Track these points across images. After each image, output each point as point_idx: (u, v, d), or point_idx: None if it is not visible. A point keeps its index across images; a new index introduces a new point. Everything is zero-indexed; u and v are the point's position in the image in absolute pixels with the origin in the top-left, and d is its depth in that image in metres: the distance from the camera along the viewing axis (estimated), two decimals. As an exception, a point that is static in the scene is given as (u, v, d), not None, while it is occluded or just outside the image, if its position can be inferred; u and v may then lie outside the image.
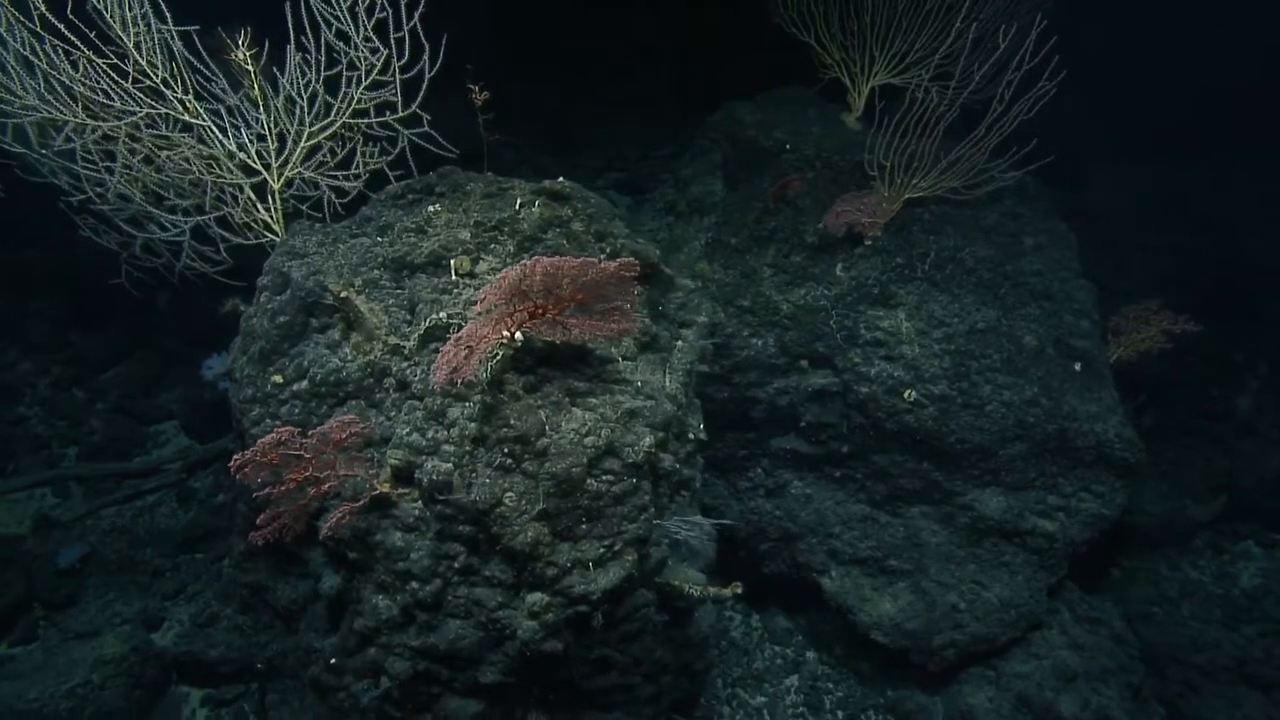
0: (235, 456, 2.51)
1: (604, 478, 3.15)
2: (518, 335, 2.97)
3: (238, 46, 2.84)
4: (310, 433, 2.68)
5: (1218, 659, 5.27)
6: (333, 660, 3.66)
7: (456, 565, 3.33)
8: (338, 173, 3.46)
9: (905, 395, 4.24)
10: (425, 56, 3.23)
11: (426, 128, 3.44)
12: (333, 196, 3.47)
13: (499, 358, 2.99)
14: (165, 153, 3.11)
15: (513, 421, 3.00)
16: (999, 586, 4.52)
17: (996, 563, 4.54)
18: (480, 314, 2.53)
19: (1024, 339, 4.47)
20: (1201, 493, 6.37)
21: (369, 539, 3.29)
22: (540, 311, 2.72)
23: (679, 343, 3.69)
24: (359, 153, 3.39)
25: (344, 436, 2.79)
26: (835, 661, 5.41)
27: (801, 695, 5.31)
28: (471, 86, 3.33)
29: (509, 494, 3.06)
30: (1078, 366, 4.61)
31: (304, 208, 3.55)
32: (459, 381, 2.97)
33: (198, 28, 2.87)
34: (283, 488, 2.69)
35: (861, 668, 5.29)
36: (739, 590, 3.85)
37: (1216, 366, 7.61)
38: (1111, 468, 4.51)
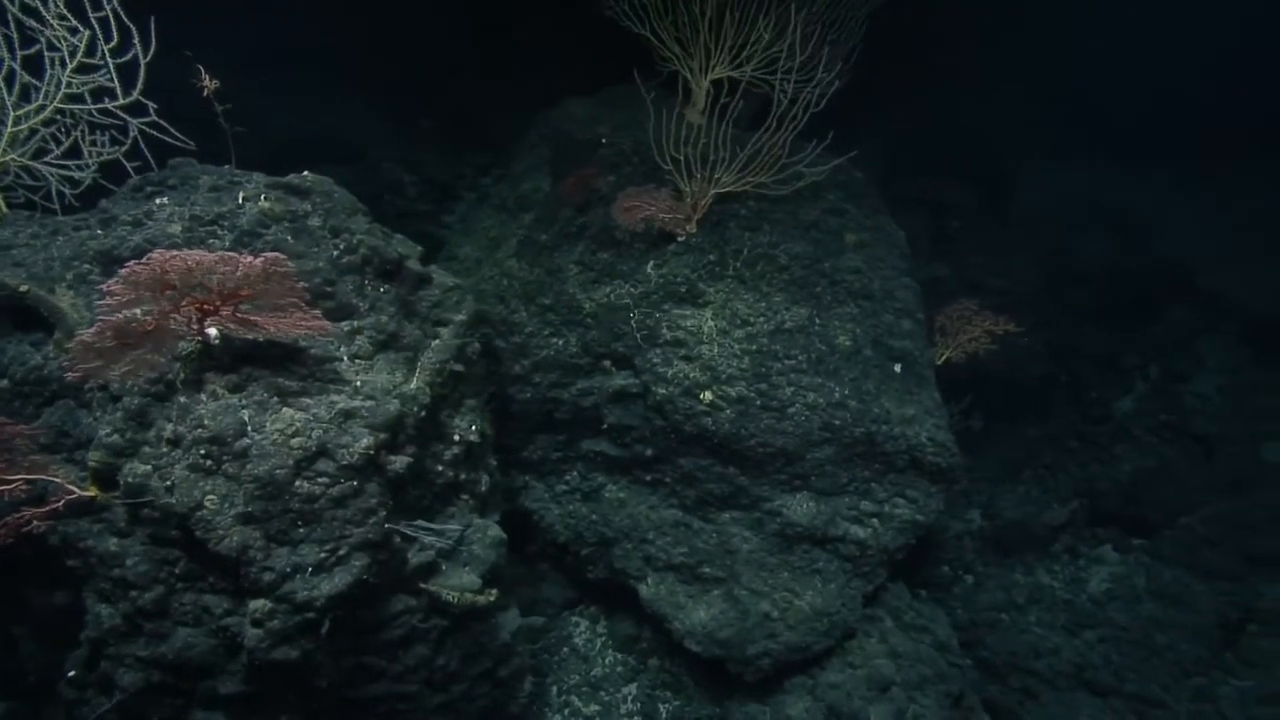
0: None
1: (319, 480, 3.01)
2: (212, 332, 2.84)
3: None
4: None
5: (1057, 665, 5.18)
6: (72, 673, 3.51)
7: (178, 570, 3.19)
8: (69, 162, 3.31)
9: (702, 397, 4.12)
10: (136, 40, 3.07)
11: (154, 116, 3.28)
12: (64, 187, 3.31)
13: (192, 355, 2.85)
14: None
15: (206, 422, 2.85)
16: (812, 594, 4.40)
17: (809, 570, 4.42)
18: (109, 307, 2.38)
19: (837, 339, 4.35)
20: (1068, 497, 6.29)
21: (80, 545, 3.14)
22: (211, 308, 2.58)
23: (434, 342, 3.55)
24: (85, 142, 3.23)
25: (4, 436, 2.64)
26: (677, 670, 5.28)
27: (638, 704, 5.17)
28: (202, 73, 3.18)
29: (210, 497, 2.91)
30: (897, 368, 4.50)
31: (37, 198, 3.40)
32: (145, 377, 2.83)
33: None
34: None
35: (700, 677, 5.16)
36: (493, 597, 3.72)
37: (1104, 369, 7.54)
38: (925, 473, 4.39)
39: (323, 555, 3.10)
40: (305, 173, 3.40)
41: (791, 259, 4.40)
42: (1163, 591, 5.43)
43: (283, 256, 2.48)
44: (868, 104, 10.17)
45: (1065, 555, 5.82)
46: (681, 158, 4.09)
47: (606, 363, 4.35)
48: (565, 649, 5.45)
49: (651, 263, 4.39)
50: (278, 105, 7.57)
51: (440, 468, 3.66)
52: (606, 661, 5.40)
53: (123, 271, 2.32)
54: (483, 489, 4.08)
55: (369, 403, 3.09)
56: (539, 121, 5.20)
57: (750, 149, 4.09)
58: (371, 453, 3.07)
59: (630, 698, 5.22)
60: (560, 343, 4.37)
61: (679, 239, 4.41)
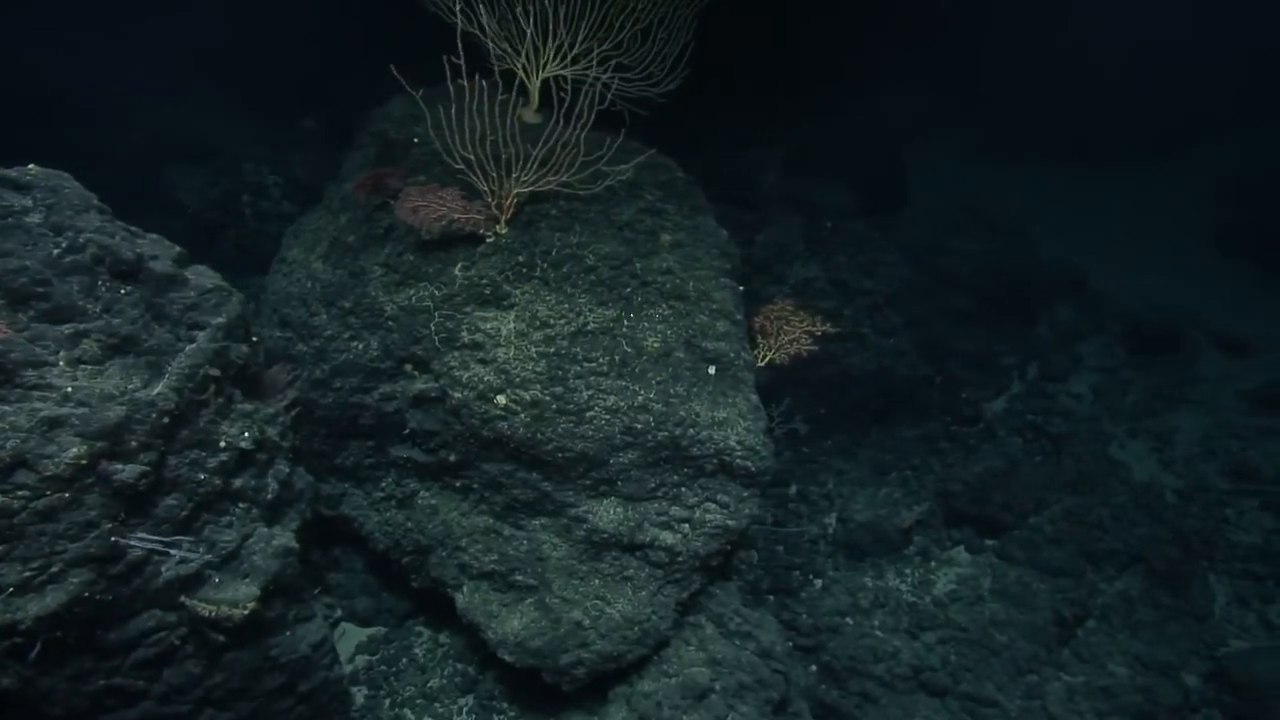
0: None
1: (18, 493, 2.86)
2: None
3: None
4: None
5: (895, 668, 5.15)
6: None
7: None
8: None
9: (496, 401, 4.02)
10: None
11: None
12: None
13: None
14: None
15: None
16: (623, 602, 4.31)
17: (620, 577, 4.33)
18: None
19: (646, 341, 4.28)
20: (929, 499, 6.29)
21: None
22: None
23: (189, 345, 3.41)
24: None
25: None
26: (514, 680, 5.17)
27: (473, 716, 5.06)
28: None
29: (-120, 515, 2.75)
30: (711, 370, 4.44)
31: None
32: None
33: None
34: None
35: (536, 687, 5.05)
36: (248, 610, 3.58)
37: (981, 369, 7.59)
38: (735, 477, 4.33)
39: (28, 574, 2.94)
40: (31, 166, 3.24)
41: (600, 259, 4.33)
42: (1006, 591, 5.43)
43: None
44: (767, 107, 10.19)
45: (918, 558, 5.81)
46: (473, 156, 4.00)
47: (408, 367, 4.24)
48: (405, 659, 5.32)
49: (460, 264, 4.29)
50: (143, 103, 7.39)
51: (204, 475, 3.52)
52: (445, 672, 5.28)
53: None
54: (269, 496, 3.94)
55: (82, 410, 2.95)
56: (366, 121, 5.08)
57: (542, 147, 4.01)
58: (84, 462, 2.92)
59: (466, 709, 5.11)
60: (360, 346, 4.25)
61: (488, 240, 4.32)
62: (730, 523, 4.34)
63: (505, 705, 5.13)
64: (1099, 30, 12.26)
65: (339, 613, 5.44)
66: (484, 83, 3.87)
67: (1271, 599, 5.42)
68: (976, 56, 11.85)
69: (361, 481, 4.68)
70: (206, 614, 3.42)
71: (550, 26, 4.90)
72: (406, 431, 4.28)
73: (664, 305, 4.41)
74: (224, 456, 3.60)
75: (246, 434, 3.70)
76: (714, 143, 8.98)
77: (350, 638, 5.40)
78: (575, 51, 4.98)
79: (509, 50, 5.01)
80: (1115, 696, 4.91)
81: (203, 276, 3.54)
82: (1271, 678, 4.76)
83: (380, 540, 4.69)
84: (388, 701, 5.12)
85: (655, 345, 4.29)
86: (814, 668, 5.38)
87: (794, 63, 10.43)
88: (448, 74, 3.76)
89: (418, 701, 5.12)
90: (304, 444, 4.60)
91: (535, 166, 4.10)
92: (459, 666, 5.31)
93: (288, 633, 4.07)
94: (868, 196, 8.87)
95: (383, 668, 5.26)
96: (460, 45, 4.15)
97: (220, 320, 3.47)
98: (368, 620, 5.44)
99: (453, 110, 3.93)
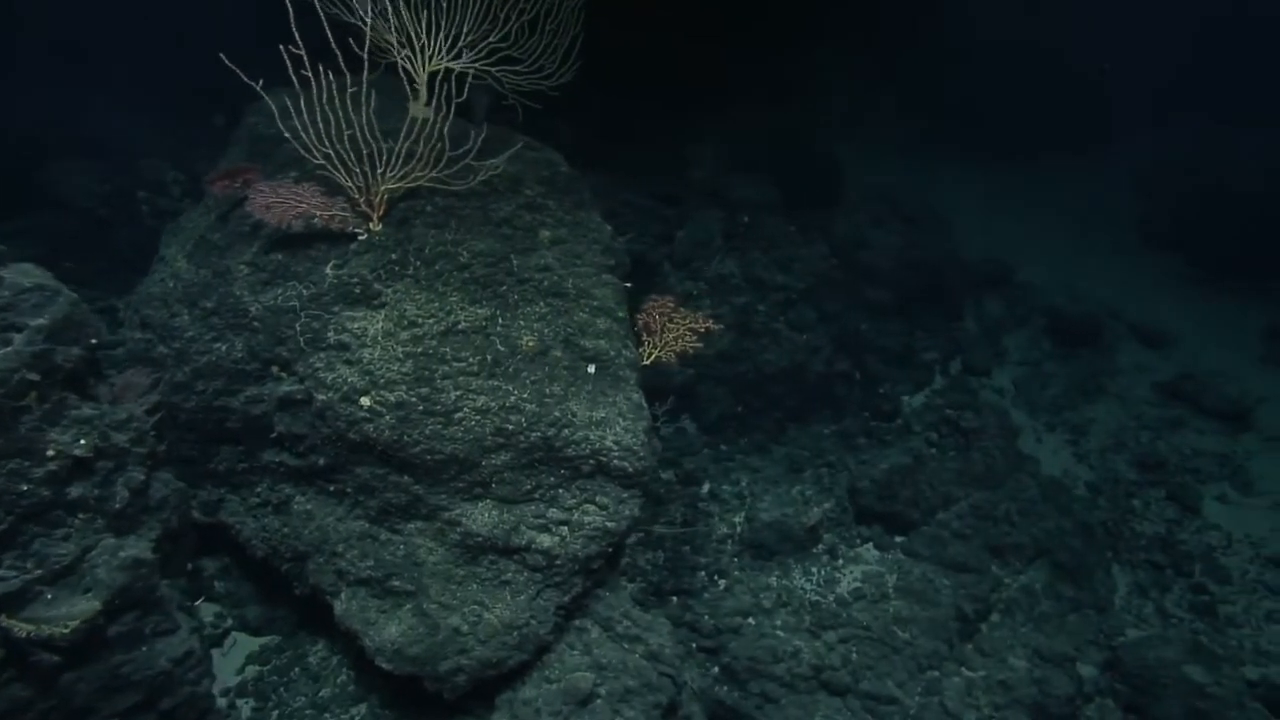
0: None
1: None
2: None
3: None
4: None
5: (796, 669, 5.10)
6: None
7: None
8: None
9: (361, 402, 3.90)
10: None
11: None
12: None
13: None
14: None
15: None
16: (501, 607, 4.21)
17: (498, 582, 4.23)
18: None
19: (521, 339, 4.18)
20: (841, 496, 6.26)
21: None
22: None
23: (2, 349, 3.25)
24: None
25: None
26: (410, 688, 5.04)
27: (363, 726, 4.92)
28: None
29: None
30: (591, 369, 4.35)
31: None
32: None
33: None
34: None
35: (430, 695, 4.94)
36: (70, 629, 3.43)
37: (902, 365, 7.58)
38: (613, 478, 4.25)
39: None
40: None
41: (474, 256, 4.22)
42: (910, 588, 5.41)
43: None
44: (705, 102, 10.12)
45: (826, 556, 5.77)
46: (331, 151, 3.87)
47: (274, 368, 4.10)
48: (297, 669, 5.17)
49: (332, 263, 4.16)
50: (34, 97, 7.13)
51: (27, 486, 3.36)
52: (339, 681, 5.13)
53: None
54: (117, 505, 3.78)
55: None
56: (248, 114, 4.92)
57: (405, 141, 3.89)
58: None
59: (358, 719, 4.97)
60: (223, 348, 4.10)
61: (361, 237, 4.20)
62: (610, 524, 4.25)
63: (397, 715, 5.00)
64: (1035, 27, 12.37)
65: (229, 622, 5.27)
66: (330, 75, 3.74)
67: (1169, 588, 5.46)
68: (916, 54, 11.90)
69: (237, 487, 4.53)
70: (23, 635, 3.25)
71: (433, 18, 4.79)
72: (274, 435, 4.14)
73: (541, 303, 4.31)
74: (53, 466, 3.44)
75: (83, 440, 3.54)
76: (647, 137, 8.91)
77: (242, 647, 5.23)
78: (462, 44, 4.87)
79: (394, 43, 4.89)
80: (1012, 689, 4.90)
81: (22, 275, 3.37)
82: (1161, 666, 4.78)
83: (259, 547, 4.55)
84: (275, 714, 4.96)
85: (531, 344, 4.19)
86: (716, 669, 5.32)
87: (734, 59, 10.38)
88: (289, 65, 3.62)
89: (307, 712, 4.97)
90: (174, 449, 4.44)
91: (400, 162, 3.98)
92: (352, 674, 5.17)
93: (143, 647, 3.91)
94: (796, 192, 8.85)
95: (273, 678, 5.11)
96: (324, 33, 4.02)
97: (41, 321, 3.31)
98: (259, 629, 5.28)
99: (301, 104, 3.79)
